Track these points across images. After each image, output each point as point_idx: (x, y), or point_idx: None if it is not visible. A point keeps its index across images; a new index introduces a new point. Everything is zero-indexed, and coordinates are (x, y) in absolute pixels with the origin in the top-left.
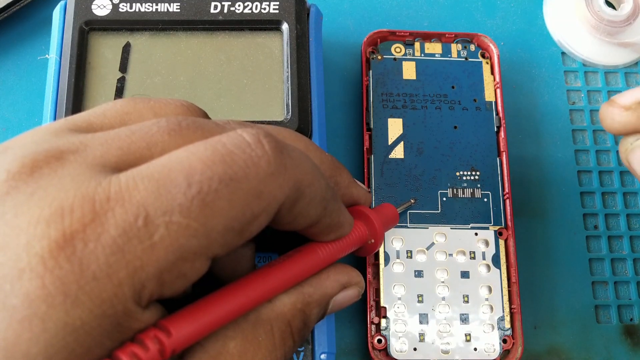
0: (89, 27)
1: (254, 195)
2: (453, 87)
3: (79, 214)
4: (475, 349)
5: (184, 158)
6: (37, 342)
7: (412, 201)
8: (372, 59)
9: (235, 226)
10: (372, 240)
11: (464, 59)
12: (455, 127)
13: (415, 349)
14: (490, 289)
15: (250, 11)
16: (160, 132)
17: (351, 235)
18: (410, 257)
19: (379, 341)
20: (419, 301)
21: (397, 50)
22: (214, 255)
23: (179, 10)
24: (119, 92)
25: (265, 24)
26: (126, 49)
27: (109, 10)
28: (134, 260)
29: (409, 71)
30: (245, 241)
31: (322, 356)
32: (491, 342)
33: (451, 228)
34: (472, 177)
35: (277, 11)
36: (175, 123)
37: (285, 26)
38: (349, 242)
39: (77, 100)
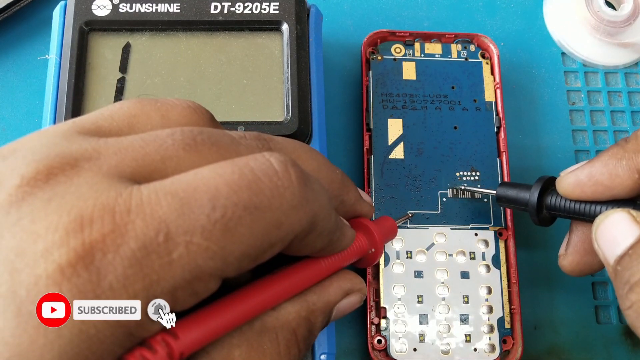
0: (89, 28)
1: (275, 226)
2: (453, 88)
3: (99, 224)
4: (475, 350)
5: (210, 179)
6: (51, 349)
7: (410, 215)
8: (372, 59)
9: (251, 253)
10: (373, 250)
11: (464, 59)
12: (455, 128)
13: (415, 350)
14: (490, 290)
15: (250, 12)
16: (175, 147)
17: (353, 247)
18: (410, 258)
19: (379, 341)
20: (418, 302)
21: (397, 50)
22: (226, 276)
23: (179, 11)
24: (119, 93)
25: (265, 25)
26: (126, 49)
27: (109, 11)
28: (150, 274)
29: (409, 71)
30: (256, 265)
31: (322, 357)
32: (491, 342)
33: (451, 228)
34: (472, 178)
35: (277, 12)
36: (190, 137)
37: (285, 27)
38: (351, 253)
39: (77, 101)
